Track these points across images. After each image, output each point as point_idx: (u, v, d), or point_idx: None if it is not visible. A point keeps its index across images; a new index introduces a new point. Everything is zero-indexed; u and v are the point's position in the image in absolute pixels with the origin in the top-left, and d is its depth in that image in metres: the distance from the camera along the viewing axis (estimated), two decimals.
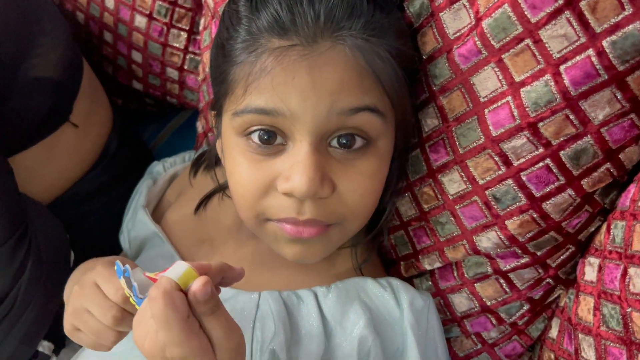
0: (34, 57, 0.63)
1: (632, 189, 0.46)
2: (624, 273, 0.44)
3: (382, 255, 0.63)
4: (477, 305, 0.57)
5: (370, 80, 0.44)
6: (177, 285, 0.37)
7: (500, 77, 0.46)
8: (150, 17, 0.79)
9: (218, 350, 0.38)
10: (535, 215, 0.49)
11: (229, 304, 0.41)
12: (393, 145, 0.50)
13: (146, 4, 0.78)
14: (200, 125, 0.82)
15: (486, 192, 0.50)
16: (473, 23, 0.47)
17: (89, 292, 0.47)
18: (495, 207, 0.50)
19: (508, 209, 0.50)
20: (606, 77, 0.43)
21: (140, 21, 0.79)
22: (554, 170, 0.47)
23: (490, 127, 0.48)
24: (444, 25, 0.49)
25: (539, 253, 0.52)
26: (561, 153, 0.46)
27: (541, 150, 0.47)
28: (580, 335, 0.49)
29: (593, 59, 0.42)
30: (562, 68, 0.43)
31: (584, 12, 0.42)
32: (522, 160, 0.48)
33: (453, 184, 0.52)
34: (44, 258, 0.59)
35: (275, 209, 0.47)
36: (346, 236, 0.51)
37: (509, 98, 0.46)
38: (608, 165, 0.46)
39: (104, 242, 0.70)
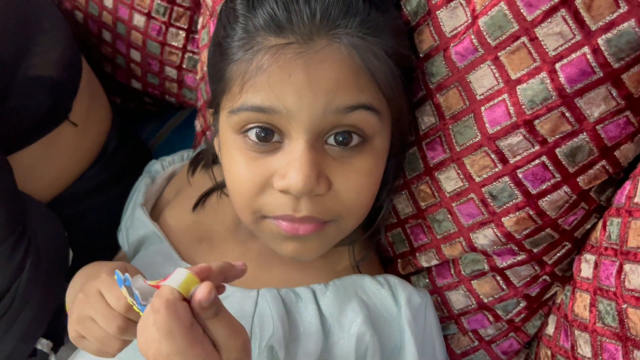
0: (33, 56, 0.63)
1: (627, 185, 0.46)
2: (620, 269, 0.44)
3: (379, 253, 0.63)
4: (474, 302, 0.57)
5: (365, 78, 0.45)
6: (180, 294, 0.37)
7: (497, 74, 0.46)
8: (148, 16, 0.79)
9: (224, 351, 0.38)
10: (531, 213, 0.49)
11: (228, 302, 0.41)
12: (389, 143, 0.50)
13: (145, 3, 0.78)
14: (198, 124, 0.82)
15: (483, 189, 0.50)
16: (469, 21, 0.47)
17: (93, 301, 0.47)
18: (492, 204, 0.50)
19: (504, 206, 0.50)
20: (601, 75, 0.43)
21: (138, 20, 0.80)
22: (550, 168, 0.47)
23: (487, 125, 0.48)
24: (441, 24, 0.49)
25: (535, 250, 0.52)
26: (557, 150, 0.46)
27: (537, 147, 0.47)
28: (577, 332, 0.49)
29: (588, 56, 0.43)
30: (557, 66, 0.44)
31: (580, 9, 0.42)
32: (518, 157, 0.48)
33: (450, 181, 0.52)
34: (42, 256, 0.59)
35: (272, 206, 0.47)
36: (342, 233, 0.51)
37: (505, 96, 0.46)
38: (604, 162, 0.47)
39: (102, 240, 0.70)
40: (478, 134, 0.49)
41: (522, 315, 0.57)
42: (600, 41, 0.42)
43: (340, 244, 0.55)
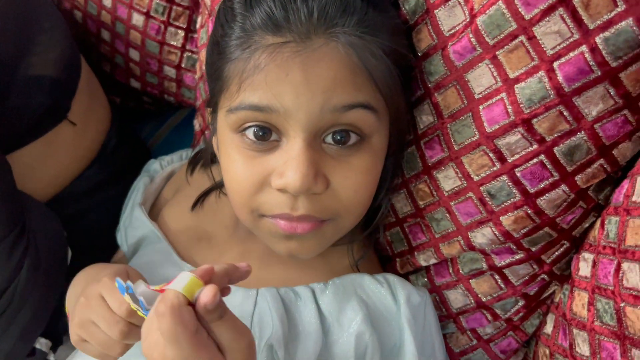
0: (32, 55, 0.63)
1: (625, 184, 0.46)
2: (618, 268, 0.44)
3: (378, 252, 0.63)
4: (473, 301, 0.57)
5: (363, 77, 0.45)
6: (185, 299, 0.37)
7: (495, 73, 0.47)
8: (147, 15, 0.79)
9: (229, 353, 0.38)
10: (529, 211, 0.49)
11: (227, 301, 0.41)
12: (387, 141, 0.50)
13: (144, 2, 0.78)
14: (197, 123, 0.82)
15: (481, 188, 0.50)
16: (467, 20, 0.47)
17: (95, 305, 0.47)
18: (490, 203, 0.50)
19: (503, 205, 0.50)
20: (599, 74, 0.43)
21: (137, 19, 0.80)
22: (548, 167, 0.47)
23: (485, 124, 0.48)
24: (439, 22, 0.49)
25: (533, 249, 0.52)
26: (555, 149, 0.47)
27: (535, 146, 0.47)
28: (575, 331, 0.49)
29: (586, 55, 0.43)
30: (555, 64, 0.44)
31: (578, 8, 0.42)
32: (517, 156, 0.48)
33: (448, 180, 0.52)
34: (41, 255, 0.59)
35: (270, 204, 0.47)
36: (340, 232, 0.51)
37: (504, 94, 0.46)
38: (602, 161, 0.47)
39: (101, 239, 0.70)
40: (476, 132, 0.49)
41: (521, 314, 0.57)
42: (598, 40, 0.42)
43: (339, 243, 0.55)
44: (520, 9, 0.44)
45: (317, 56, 0.43)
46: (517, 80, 0.46)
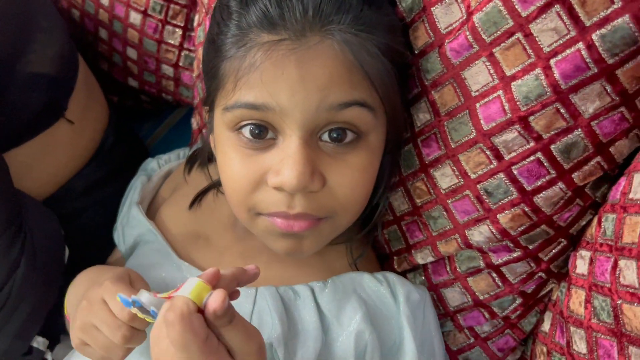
0: (30, 53, 0.63)
1: (622, 182, 0.46)
2: (615, 265, 0.44)
3: (375, 250, 0.63)
4: (470, 299, 0.57)
5: (359, 75, 0.44)
6: (194, 305, 0.37)
7: (492, 71, 0.46)
8: (145, 13, 0.79)
9: (239, 356, 0.39)
10: (526, 209, 0.49)
11: None
12: (384, 139, 0.50)
13: (141, 1, 0.78)
14: (195, 122, 0.82)
15: (478, 186, 0.50)
16: (464, 17, 0.47)
17: (97, 309, 0.47)
18: (487, 201, 0.50)
19: (500, 203, 0.50)
20: (596, 71, 0.43)
21: (135, 18, 0.80)
22: (545, 164, 0.47)
23: (482, 121, 0.48)
24: (436, 20, 0.49)
25: (530, 247, 0.52)
26: (552, 147, 0.46)
27: (532, 144, 0.47)
28: (572, 328, 0.49)
29: (583, 52, 0.42)
30: (552, 62, 0.44)
31: (574, 5, 0.42)
32: (514, 154, 0.48)
33: (445, 178, 0.52)
34: (38, 253, 0.59)
35: (266, 203, 0.47)
36: (337, 230, 0.51)
37: (500, 92, 0.46)
38: (598, 158, 0.47)
39: (99, 238, 0.70)
40: (473, 130, 0.49)
41: (518, 312, 0.57)
42: (594, 37, 0.42)
43: (337, 242, 0.55)
44: (516, 6, 0.44)
45: (313, 54, 0.43)
46: (513, 77, 0.45)
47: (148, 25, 0.80)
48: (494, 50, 0.46)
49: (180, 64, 0.83)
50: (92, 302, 0.48)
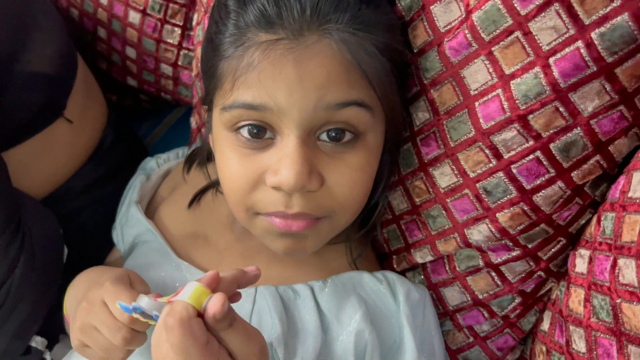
0: (28, 52, 0.63)
1: (621, 180, 0.46)
2: (614, 264, 0.44)
3: (375, 250, 0.63)
4: (469, 298, 0.57)
5: (356, 74, 0.44)
6: (194, 310, 0.37)
7: (491, 69, 0.46)
8: (144, 12, 0.79)
9: (241, 359, 0.39)
10: (525, 208, 0.49)
11: None
12: (383, 138, 0.50)
13: (140, 0, 0.78)
14: (194, 121, 0.82)
15: (477, 185, 0.50)
16: (463, 16, 0.47)
17: (98, 311, 0.47)
18: (486, 199, 0.50)
19: (499, 202, 0.50)
20: (595, 69, 0.43)
21: (134, 17, 0.79)
22: (544, 163, 0.47)
23: (481, 120, 0.48)
24: (435, 19, 0.49)
25: (530, 246, 0.52)
26: (551, 145, 0.46)
27: (531, 142, 0.47)
28: (571, 327, 0.49)
29: (582, 50, 0.42)
30: (551, 60, 0.44)
31: (573, 4, 0.42)
32: (513, 152, 0.48)
33: (444, 177, 0.52)
34: (37, 253, 0.59)
35: (265, 202, 0.47)
36: (336, 229, 0.51)
37: (499, 91, 0.46)
38: (598, 157, 0.47)
39: (97, 237, 0.70)
40: (472, 129, 0.49)
41: (517, 311, 0.57)
42: (593, 35, 0.42)
43: (336, 241, 0.55)
44: (515, 5, 0.43)
45: (310, 53, 0.43)
46: (512, 76, 0.45)
47: (147, 25, 0.80)
48: (493, 48, 0.46)
49: (179, 63, 0.83)
50: (92, 303, 0.48)
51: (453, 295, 0.58)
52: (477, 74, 0.47)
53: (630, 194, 0.44)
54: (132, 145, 0.87)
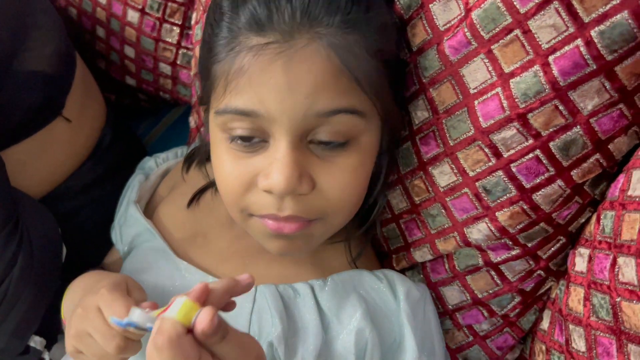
0: (27, 51, 0.62)
1: (621, 179, 0.46)
2: (614, 263, 0.44)
3: (375, 249, 0.63)
4: (469, 297, 0.57)
5: (346, 79, 0.44)
6: (182, 327, 0.36)
7: (490, 68, 0.46)
8: (142, 12, 0.79)
9: None
10: (525, 207, 0.49)
11: None
12: (378, 139, 0.50)
13: None
14: (192, 120, 0.82)
15: (476, 183, 0.50)
16: (463, 14, 0.47)
17: (92, 318, 0.46)
18: (486, 198, 0.50)
19: (498, 201, 0.50)
20: (595, 67, 0.43)
21: (132, 16, 0.79)
22: (544, 161, 0.47)
23: (480, 119, 0.48)
24: (434, 17, 0.49)
25: (529, 244, 0.52)
26: (551, 144, 0.46)
27: (531, 141, 0.47)
28: (571, 326, 0.49)
29: (582, 49, 0.42)
30: (551, 58, 0.44)
31: (573, 2, 0.42)
32: (512, 151, 0.48)
33: (443, 176, 0.52)
34: (35, 252, 0.59)
35: (257, 205, 0.47)
36: (330, 231, 0.51)
37: (499, 89, 0.46)
38: (597, 156, 0.47)
39: (96, 236, 0.69)
40: (471, 128, 0.49)
41: (517, 311, 0.56)
42: (593, 33, 0.42)
43: (335, 240, 0.55)
44: (515, 3, 0.43)
45: (299, 57, 0.43)
46: (512, 74, 0.45)
47: (146, 24, 0.80)
48: (492, 47, 0.46)
49: (178, 62, 0.83)
50: (87, 310, 0.47)
51: (452, 295, 0.57)
52: (477, 73, 0.47)
53: (629, 193, 0.44)
54: (131, 145, 0.87)
